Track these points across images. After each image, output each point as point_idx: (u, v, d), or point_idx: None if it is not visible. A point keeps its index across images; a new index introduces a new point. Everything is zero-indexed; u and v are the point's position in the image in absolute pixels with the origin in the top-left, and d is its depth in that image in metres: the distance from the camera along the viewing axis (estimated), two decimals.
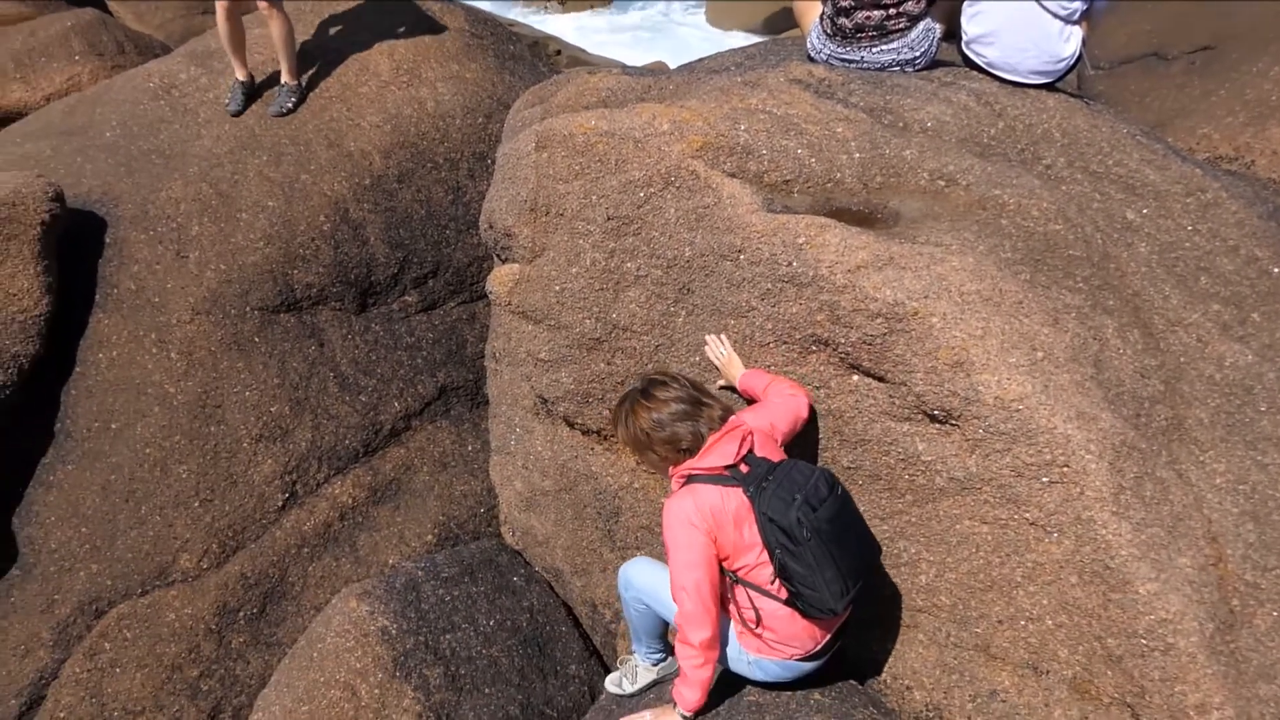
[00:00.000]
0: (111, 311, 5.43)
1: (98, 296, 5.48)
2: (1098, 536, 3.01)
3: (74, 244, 5.51)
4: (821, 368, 3.51)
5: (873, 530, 3.41)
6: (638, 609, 3.61)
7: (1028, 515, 3.15)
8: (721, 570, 3.13)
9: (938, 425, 3.28)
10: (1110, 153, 4.18)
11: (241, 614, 5.10)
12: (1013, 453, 3.12)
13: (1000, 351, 3.15)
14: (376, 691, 4.18)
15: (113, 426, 5.22)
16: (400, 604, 4.49)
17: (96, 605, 4.92)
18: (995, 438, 3.14)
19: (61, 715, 4.74)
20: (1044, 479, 3.09)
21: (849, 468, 3.52)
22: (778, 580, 3.07)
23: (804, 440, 3.60)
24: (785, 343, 3.54)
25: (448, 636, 4.44)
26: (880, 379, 3.37)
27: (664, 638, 3.79)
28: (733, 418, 3.25)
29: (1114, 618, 3.02)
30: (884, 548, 3.49)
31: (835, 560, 3.00)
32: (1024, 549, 3.18)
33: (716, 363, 3.71)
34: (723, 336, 3.71)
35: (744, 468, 3.11)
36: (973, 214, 3.68)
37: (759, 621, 3.17)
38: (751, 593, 3.14)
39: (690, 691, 3.21)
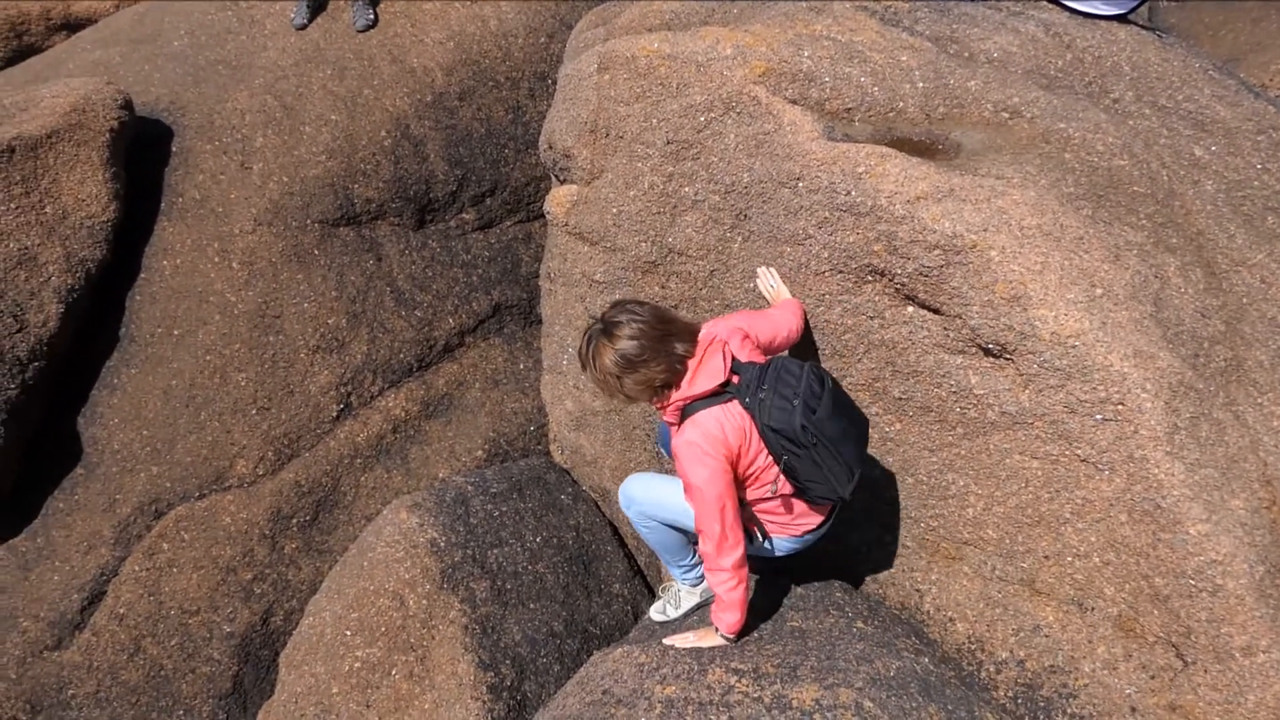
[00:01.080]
0: (176, 220, 5.53)
1: (163, 204, 5.58)
2: (1150, 475, 3.01)
3: (141, 152, 5.61)
4: (876, 298, 3.50)
5: (922, 461, 3.43)
6: (648, 526, 3.58)
7: (1079, 452, 3.14)
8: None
9: (991, 359, 3.27)
10: (1180, 88, 4.07)
11: (295, 521, 5.25)
12: (1067, 389, 3.11)
13: (1059, 287, 3.12)
14: (424, 602, 4.30)
15: (175, 333, 5.35)
16: (449, 517, 4.60)
17: (156, 506, 5.10)
18: (1050, 373, 3.12)
19: (121, 611, 4.95)
20: (1097, 416, 3.08)
21: (900, 398, 3.53)
22: (781, 479, 3.10)
23: (855, 370, 3.61)
24: (841, 272, 3.54)
25: (495, 551, 4.55)
26: (935, 311, 3.36)
27: (688, 548, 3.76)
28: (703, 332, 3.14)
29: (1163, 557, 3.03)
30: (932, 480, 3.51)
31: (839, 455, 3.02)
32: (1074, 485, 3.18)
33: (767, 294, 3.70)
34: (773, 270, 3.69)
35: (734, 378, 3.07)
36: (1036, 147, 3.61)
37: (770, 511, 3.24)
38: (760, 496, 3.20)
39: (729, 614, 3.26)
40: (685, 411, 3.07)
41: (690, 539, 3.65)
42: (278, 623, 5.14)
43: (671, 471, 3.53)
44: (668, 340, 3.02)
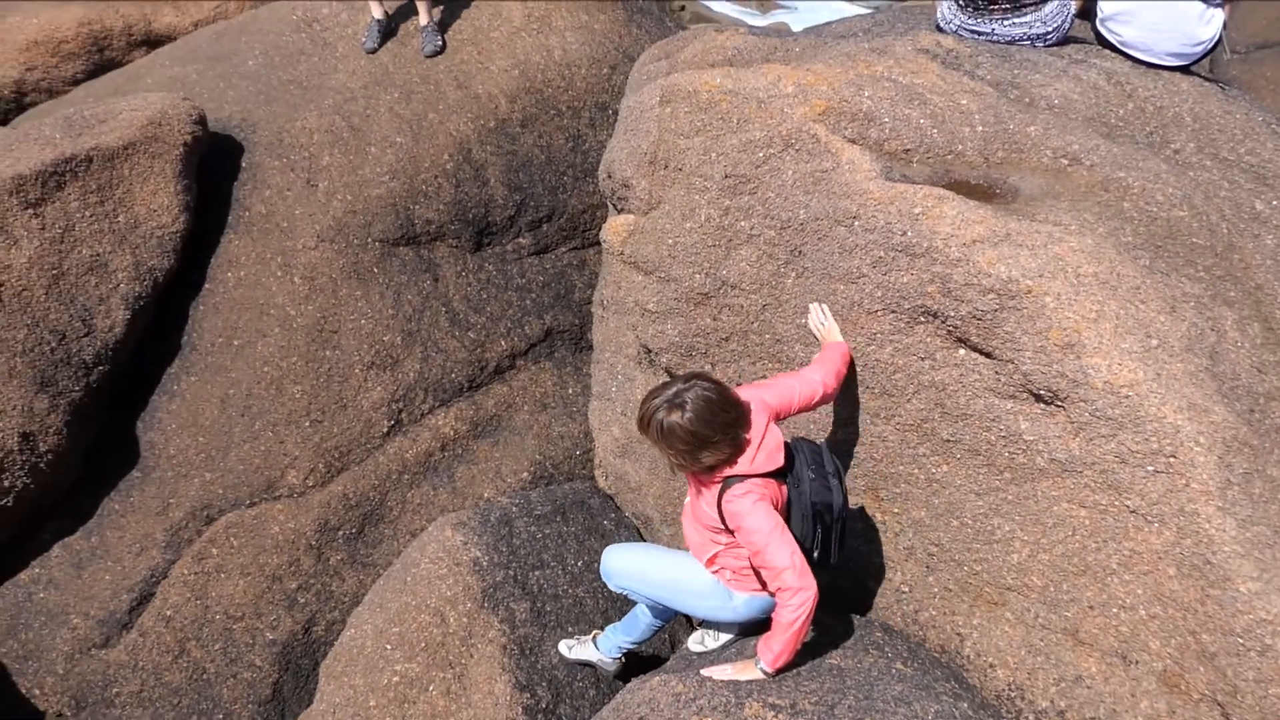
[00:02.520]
0: (242, 233, 5.68)
1: (230, 218, 5.74)
2: (1200, 530, 2.98)
3: (212, 166, 5.77)
4: (928, 339, 3.51)
5: (968, 504, 3.44)
6: (637, 598, 3.84)
7: (1129, 503, 3.12)
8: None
9: (1043, 405, 3.26)
10: (1242, 140, 4.05)
11: (341, 533, 5.33)
12: (1118, 439, 3.09)
13: (1113, 336, 3.11)
14: (465, 620, 4.34)
15: (235, 343, 5.48)
16: (493, 537, 4.65)
17: (207, 512, 5.20)
18: (1101, 422, 3.11)
19: (169, 613, 5.05)
20: (1149, 468, 3.05)
21: (948, 440, 3.53)
22: (811, 548, 3.26)
23: (904, 410, 3.61)
24: (893, 312, 3.55)
25: (536, 573, 4.59)
26: (987, 355, 3.36)
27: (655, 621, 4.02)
28: (753, 411, 3.21)
29: (1211, 614, 2.98)
30: (978, 523, 3.50)
31: (840, 526, 3.33)
32: (1122, 536, 3.15)
33: (817, 332, 3.70)
34: (824, 307, 3.70)
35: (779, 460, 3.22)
36: (1095, 195, 3.61)
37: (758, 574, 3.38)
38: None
39: (780, 646, 3.24)
40: (727, 481, 3.18)
41: (669, 613, 3.92)
42: (319, 633, 5.22)
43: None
44: (734, 427, 3.13)
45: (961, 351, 3.44)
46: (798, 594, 3.10)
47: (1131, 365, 3.07)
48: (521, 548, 4.65)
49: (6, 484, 4.73)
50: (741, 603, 3.53)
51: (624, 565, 3.78)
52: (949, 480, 3.57)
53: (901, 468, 3.69)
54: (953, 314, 3.38)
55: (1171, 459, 3.01)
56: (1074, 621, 3.31)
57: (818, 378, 3.45)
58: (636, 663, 4.53)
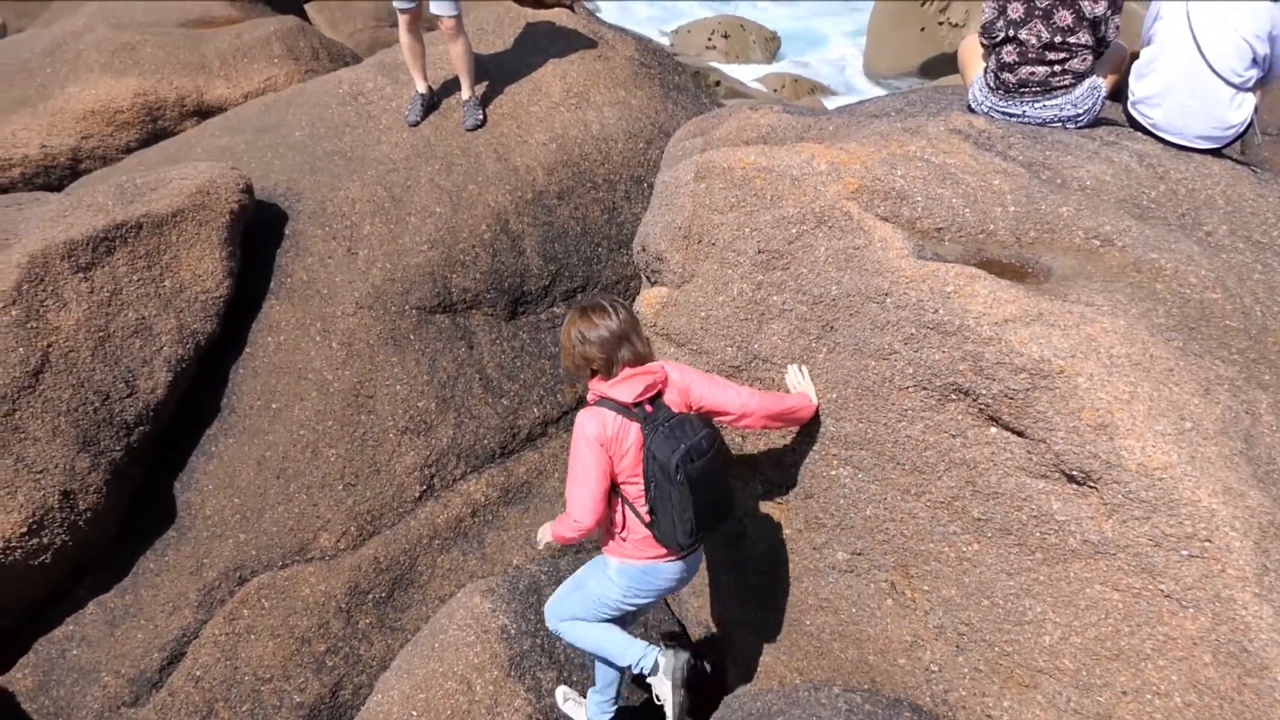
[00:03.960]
0: (284, 299, 5.80)
1: (273, 284, 5.87)
2: (1237, 617, 2.94)
3: (257, 233, 5.92)
4: (960, 417, 3.52)
5: (999, 584, 3.41)
6: (574, 637, 4.00)
7: (1163, 587, 3.09)
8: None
9: (1075, 486, 3.26)
10: (1275, 223, 4.06)
11: (371, 596, 5.35)
12: (1152, 521, 3.07)
13: (1147, 418, 3.11)
14: (491, 688, 4.34)
15: (273, 406, 5.57)
16: (521, 605, 4.65)
17: (240, 573, 5.24)
18: (1135, 504, 3.10)
19: (199, 673, 5.06)
20: (1183, 552, 3.03)
21: (979, 519, 3.52)
22: (646, 504, 3.57)
23: (935, 487, 3.61)
24: (925, 389, 3.57)
25: (563, 642, 4.58)
26: (1019, 434, 3.36)
27: (612, 683, 4.18)
28: (652, 362, 3.63)
29: (1248, 703, 2.94)
30: (1009, 604, 3.47)
31: (695, 507, 3.51)
32: (1156, 621, 3.12)
33: (792, 388, 3.97)
34: (805, 369, 3.96)
35: (649, 408, 3.55)
36: (1127, 276, 3.63)
37: (624, 526, 3.68)
38: (626, 506, 3.64)
39: (555, 531, 3.67)
40: (600, 401, 3.58)
41: (615, 670, 4.10)
42: (346, 696, 5.21)
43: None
44: (623, 345, 3.56)
45: (993, 430, 3.45)
46: (570, 522, 3.54)
47: (1165, 448, 3.07)
48: None
49: (46, 541, 4.80)
50: (615, 570, 3.79)
51: (554, 606, 4.03)
52: (980, 559, 3.55)
53: (932, 545, 3.68)
54: (984, 392, 3.39)
55: (1207, 543, 2.98)
56: (1107, 707, 3.26)
57: (745, 399, 3.72)
58: None
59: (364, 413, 5.59)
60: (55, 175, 8.12)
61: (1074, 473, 3.22)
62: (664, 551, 3.68)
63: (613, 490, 3.62)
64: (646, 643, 3.91)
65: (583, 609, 3.91)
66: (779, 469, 4.19)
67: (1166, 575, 3.07)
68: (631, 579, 3.76)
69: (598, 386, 3.61)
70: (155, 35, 8.71)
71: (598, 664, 4.13)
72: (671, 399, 3.63)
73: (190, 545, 5.28)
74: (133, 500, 5.30)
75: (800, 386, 3.93)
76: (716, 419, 3.78)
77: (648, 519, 3.59)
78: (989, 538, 3.52)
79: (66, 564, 4.98)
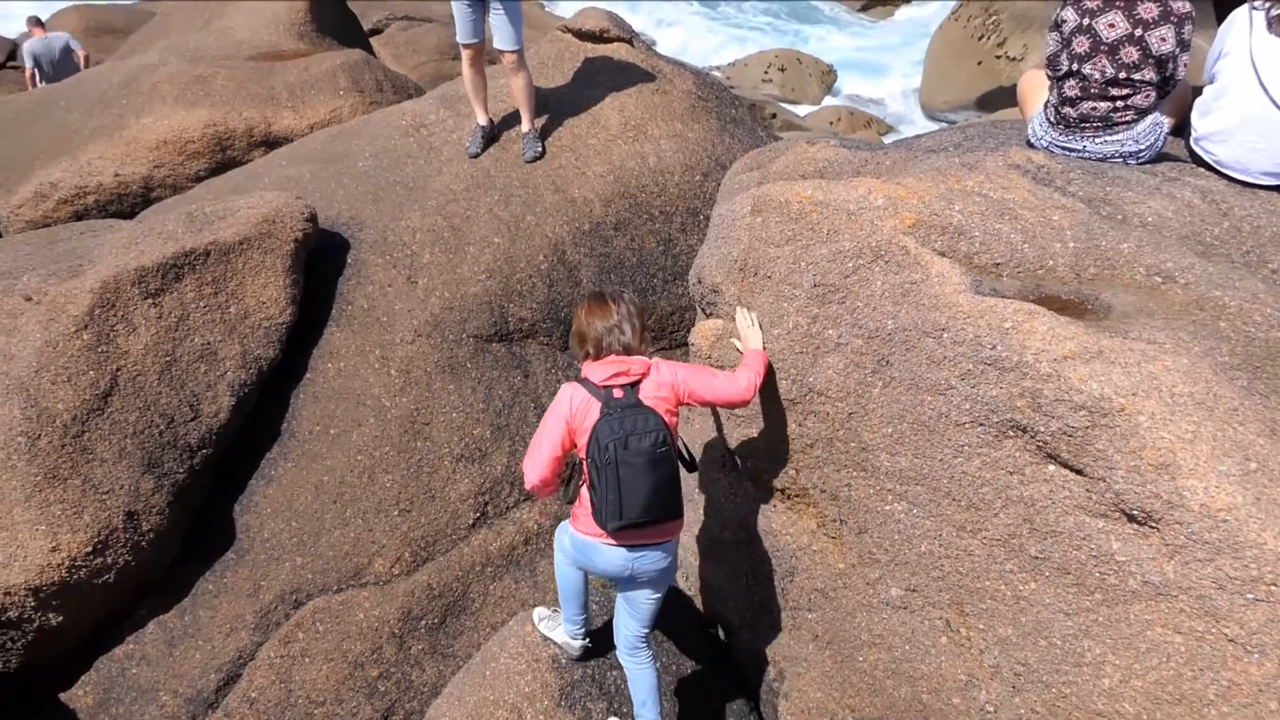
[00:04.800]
0: (344, 326, 5.92)
1: (334, 311, 5.99)
2: None
3: (320, 260, 6.06)
4: (1017, 454, 3.48)
5: (1057, 624, 3.35)
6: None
7: (1227, 631, 3.02)
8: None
9: (1135, 526, 3.20)
10: None
11: (424, 622, 5.39)
12: (1215, 564, 3.01)
13: (1210, 458, 3.06)
14: (541, 718, 4.34)
15: (331, 432, 5.67)
16: None
17: (296, 596, 5.32)
18: (1197, 546, 3.03)
19: (254, 695, 5.14)
20: (1248, 595, 2.96)
21: (1036, 557, 3.47)
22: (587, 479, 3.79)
23: (991, 524, 3.57)
24: (981, 424, 3.54)
25: (614, 673, 4.58)
26: (1078, 472, 3.32)
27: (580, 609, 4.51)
28: (642, 357, 3.85)
29: None
30: (1067, 645, 3.41)
31: (620, 493, 3.65)
32: (1220, 666, 3.05)
33: (742, 333, 4.18)
34: (754, 315, 4.19)
35: (618, 393, 3.75)
36: (1189, 313, 3.58)
37: (580, 501, 3.89)
38: (582, 478, 3.85)
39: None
40: (579, 381, 3.83)
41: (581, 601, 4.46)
42: None
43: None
44: (613, 333, 3.83)
45: (1051, 467, 3.41)
46: (526, 475, 3.83)
47: (1229, 488, 3.01)
48: (600, 646, 4.65)
49: (110, 561, 4.92)
50: (568, 536, 4.09)
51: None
52: (1037, 598, 3.50)
53: (988, 583, 3.63)
54: (1043, 429, 3.36)
55: (1272, 588, 2.91)
56: None
57: (743, 384, 3.93)
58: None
59: (420, 439, 5.67)
60: (128, 202, 8.39)
61: (1135, 512, 3.16)
62: (602, 533, 3.85)
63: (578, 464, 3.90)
64: (580, 624, 4.48)
65: (558, 560, 4.36)
66: (833, 502, 4.17)
67: (1231, 619, 3.00)
68: (576, 549, 4.05)
69: (584, 367, 3.90)
70: (226, 68, 8.98)
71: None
72: (650, 393, 3.79)
73: (248, 568, 5.38)
74: (193, 522, 5.41)
75: (749, 335, 4.16)
76: (723, 407, 4.08)
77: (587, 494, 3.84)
78: (1046, 577, 3.47)
79: (129, 584, 5.10)
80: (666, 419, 3.78)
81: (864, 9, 33.59)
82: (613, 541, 3.87)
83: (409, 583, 5.44)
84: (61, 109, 9.38)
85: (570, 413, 3.76)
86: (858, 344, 3.92)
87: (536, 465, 3.79)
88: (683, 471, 3.93)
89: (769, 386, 4.23)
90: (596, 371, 3.80)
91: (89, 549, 4.83)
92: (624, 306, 3.87)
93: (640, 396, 3.76)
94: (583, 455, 3.78)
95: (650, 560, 3.94)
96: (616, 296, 3.92)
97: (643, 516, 3.72)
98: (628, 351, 3.83)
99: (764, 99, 21.73)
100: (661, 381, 3.82)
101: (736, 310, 4.20)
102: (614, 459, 3.64)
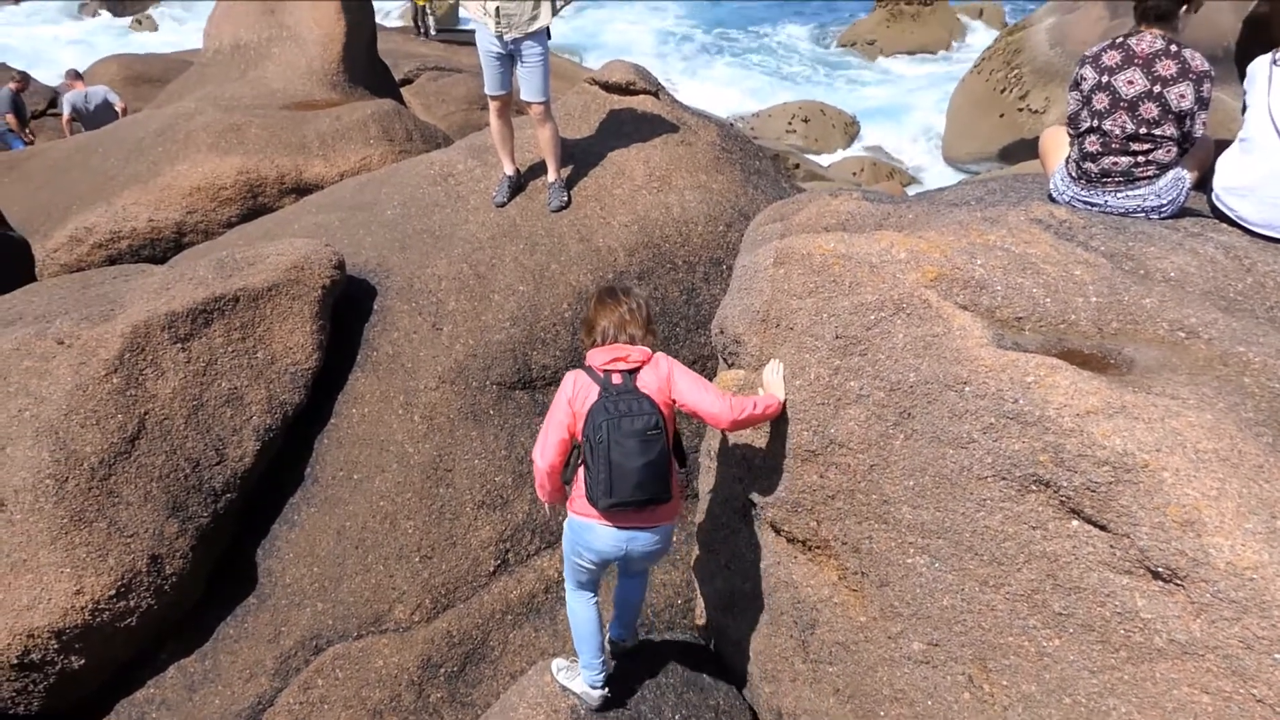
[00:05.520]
0: (369, 372, 5.97)
1: (359, 356, 6.05)
2: None
3: (346, 307, 6.13)
4: (1040, 508, 3.46)
5: (1081, 682, 3.31)
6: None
7: (1255, 692, 2.97)
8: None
9: (1160, 583, 3.17)
10: None
11: (443, 670, 5.38)
12: (1243, 623, 2.97)
13: (1236, 515, 3.03)
14: None
15: (355, 477, 5.70)
16: None
17: (316, 642, 5.32)
18: (1224, 605, 3.00)
19: None
20: (1276, 655, 2.92)
21: (1060, 614, 3.44)
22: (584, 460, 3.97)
23: (1014, 579, 3.54)
24: (1004, 479, 3.53)
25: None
26: (1102, 528, 3.30)
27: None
28: (643, 347, 4.04)
29: None
30: (1092, 703, 3.37)
31: (610, 470, 3.83)
32: None
33: (765, 374, 4.26)
34: (781, 366, 4.24)
35: (616, 379, 3.94)
36: (1213, 369, 3.57)
37: (577, 482, 4.07)
38: (579, 459, 4.04)
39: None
40: (583, 368, 4.05)
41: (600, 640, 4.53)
42: None
43: None
44: (623, 327, 4.05)
45: (1075, 523, 3.39)
46: (535, 461, 4.08)
47: (1256, 547, 2.98)
48: (620, 697, 4.63)
49: (133, 604, 4.95)
50: (567, 523, 4.21)
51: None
52: (1061, 655, 3.46)
53: (1011, 639, 3.59)
54: (1066, 484, 3.34)
55: None
56: None
57: (720, 408, 3.98)
58: None
59: (442, 485, 5.69)
60: (160, 247, 8.54)
61: (1160, 570, 3.14)
62: (597, 514, 4.02)
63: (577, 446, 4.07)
64: (598, 669, 4.49)
65: (566, 567, 4.41)
66: (855, 555, 4.16)
67: (1259, 679, 2.96)
68: (574, 531, 4.16)
69: (587, 354, 4.10)
70: (260, 117, 9.17)
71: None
72: (647, 382, 3.97)
73: (269, 613, 5.38)
74: (216, 565, 5.43)
75: (772, 383, 4.21)
76: (698, 418, 4.08)
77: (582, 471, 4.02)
78: (1070, 633, 3.43)
79: (151, 627, 5.12)
80: (662, 408, 3.94)
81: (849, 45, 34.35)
82: (607, 522, 4.03)
83: (429, 630, 5.43)
84: (99, 156, 9.60)
85: (571, 394, 3.96)
86: (879, 396, 3.92)
87: (544, 450, 4.01)
88: (707, 523, 3.95)
89: (790, 436, 4.23)
90: (598, 357, 4.02)
91: (112, 592, 4.86)
92: (632, 300, 4.11)
93: (638, 383, 3.95)
94: (579, 436, 3.96)
95: (643, 543, 4.13)
96: (626, 291, 4.17)
97: (632, 495, 3.88)
98: (631, 342, 4.03)
99: (787, 149, 21.91)
100: (659, 374, 4.01)
101: (770, 362, 4.26)
102: (606, 438, 3.83)
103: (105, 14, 38.93)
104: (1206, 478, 3.10)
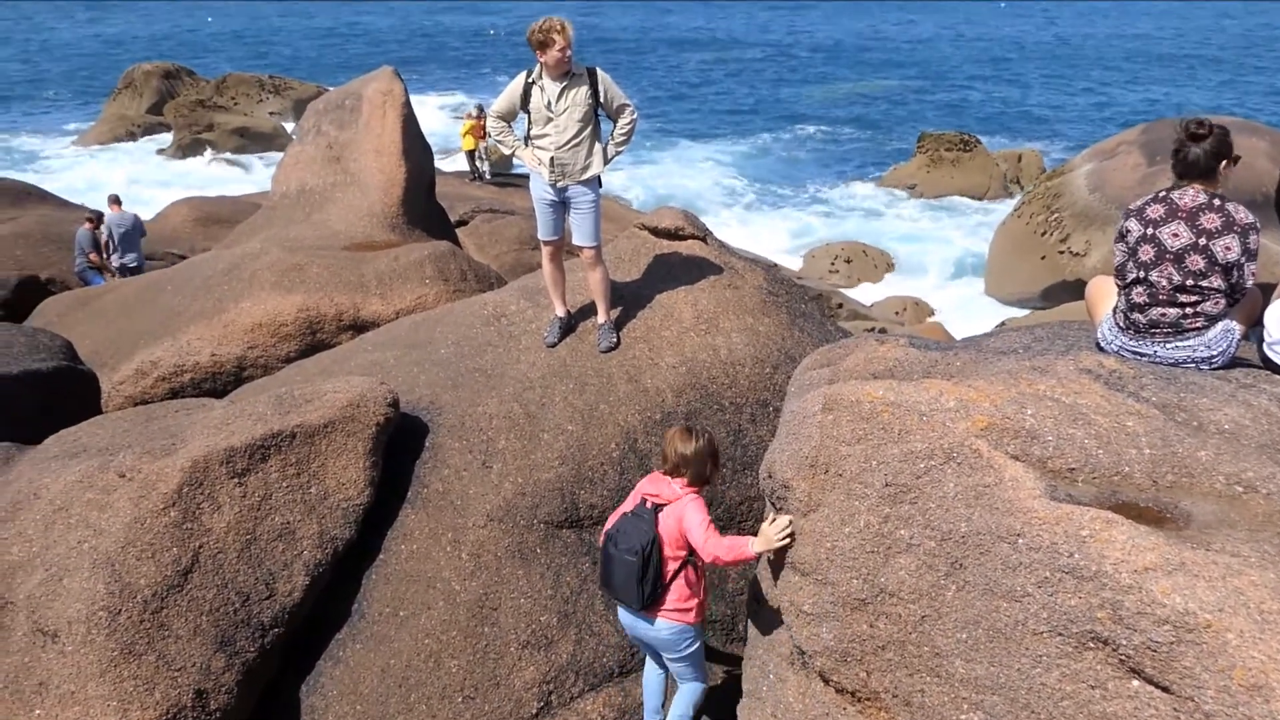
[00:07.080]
0: (419, 508, 6.03)
1: (409, 493, 6.12)
2: None
3: (399, 443, 6.23)
4: (1098, 666, 3.38)
5: None
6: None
7: None
8: None
9: None
10: None
11: None
12: None
13: None
14: None
15: (401, 614, 5.70)
16: None
17: None
18: None
19: None
20: None
21: None
22: None
23: None
24: (1060, 634, 3.46)
25: None
26: (1164, 689, 3.21)
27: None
28: (676, 487, 4.81)
29: None
30: None
31: (601, 569, 4.92)
32: None
33: (769, 528, 4.46)
34: (785, 520, 4.44)
35: (647, 504, 4.82)
36: (1273, 525, 3.51)
37: None
38: None
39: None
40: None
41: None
42: None
43: None
44: (676, 458, 4.80)
45: (1135, 683, 3.30)
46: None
47: None
48: None
49: None
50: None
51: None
52: None
53: None
54: (1125, 642, 3.27)
55: None
56: None
57: (702, 546, 4.69)
58: None
59: (487, 624, 5.66)
60: (221, 381, 8.78)
61: None
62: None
63: None
64: None
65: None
66: (906, 708, 4.05)
67: None
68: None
69: (669, 486, 4.86)
70: (321, 257, 9.53)
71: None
72: (666, 518, 4.76)
73: None
74: (259, 701, 5.40)
75: (762, 531, 4.51)
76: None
77: None
78: None
79: None
80: (664, 540, 4.74)
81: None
82: (621, 605, 4.98)
83: None
84: (169, 293, 9.99)
85: (629, 497, 4.99)
86: (930, 545, 3.90)
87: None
88: (754, 670, 3.92)
89: (839, 584, 4.19)
90: (644, 484, 4.93)
91: None
92: (699, 441, 4.81)
93: (659, 516, 4.76)
94: None
95: (644, 629, 4.96)
96: (700, 434, 4.85)
97: (609, 592, 5.05)
98: (679, 477, 4.81)
99: (830, 289, 22.21)
100: (677, 514, 4.74)
101: (780, 516, 4.50)
102: (603, 546, 4.86)
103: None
104: (1273, 640, 3.03)
